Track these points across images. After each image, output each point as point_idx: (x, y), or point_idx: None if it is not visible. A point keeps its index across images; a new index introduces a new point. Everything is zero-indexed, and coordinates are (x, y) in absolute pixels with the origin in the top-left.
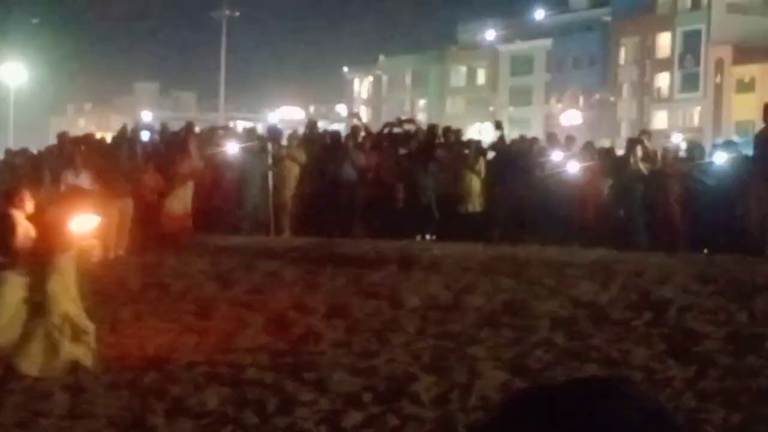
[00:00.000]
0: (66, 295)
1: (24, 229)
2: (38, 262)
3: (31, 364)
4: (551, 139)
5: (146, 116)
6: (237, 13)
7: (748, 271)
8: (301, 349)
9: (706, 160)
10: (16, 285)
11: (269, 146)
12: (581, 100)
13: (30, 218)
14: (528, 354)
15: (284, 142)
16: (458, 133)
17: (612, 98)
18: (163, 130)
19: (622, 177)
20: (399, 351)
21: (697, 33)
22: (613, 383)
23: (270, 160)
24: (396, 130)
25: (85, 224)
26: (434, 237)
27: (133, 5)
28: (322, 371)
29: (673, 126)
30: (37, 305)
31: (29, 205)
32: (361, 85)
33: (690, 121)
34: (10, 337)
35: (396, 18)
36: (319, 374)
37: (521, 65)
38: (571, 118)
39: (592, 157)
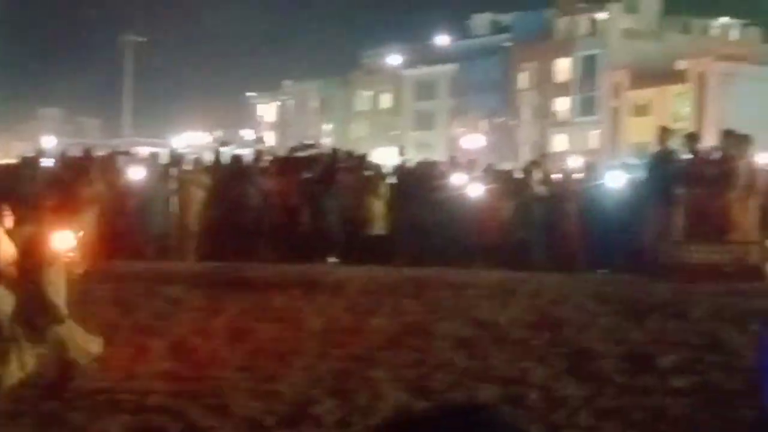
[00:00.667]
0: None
1: (5, 243)
2: (28, 276)
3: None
4: (453, 162)
5: (49, 142)
6: (143, 39)
7: (643, 291)
8: (203, 375)
9: (603, 181)
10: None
11: (172, 171)
12: (484, 124)
13: (9, 233)
14: (429, 375)
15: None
16: (361, 156)
17: (513, 122)
18: (63, 156)
19: (521, 199)
20: (302, 374)
21: (595, 58)
22: (479, 412)
23: (173, 185)
24: (300, 154)
25: (66, 239)
26: (337, 260)
27: (38, 31)
28: (225, 396)
29: (572, 149)
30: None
31: (8, 220)
32: (267, 110)
33: (588, 143)
34: None
35: (301, 43)
36: (221, 399)
37: (425, 90)
38: (473, 141)
39: (493, 180)
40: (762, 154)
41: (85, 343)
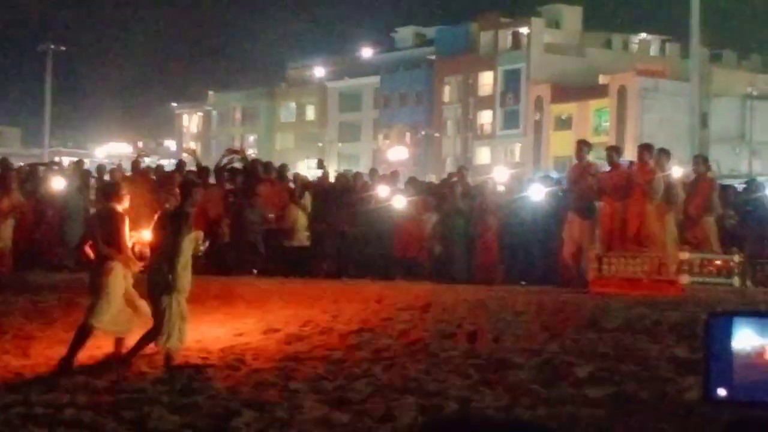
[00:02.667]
0: None
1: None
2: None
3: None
4: (374, 174)
5: None
6: (63, 48)
7: (561, 302)
8: (121, 388)
9: (525, 194)
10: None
11: (92, 181)
12: (408, 136)
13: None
14: (348, 387)
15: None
16: (283, 168)
17: (437, 134)
18: None
19: (443, 211)
20: (221, 386)
21: (517, 72)
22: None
23: (93, 196)
24: (225, 160)
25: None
26: (257, 272)
27: None
28: (142, 409)
29: (495, 162)
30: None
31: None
32: (191, 121)
33: (512, 156)
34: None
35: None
36: (138, 412)
37: (350, 102)
38: (398, 153)
39: (415, 192)
40: (679, 167)
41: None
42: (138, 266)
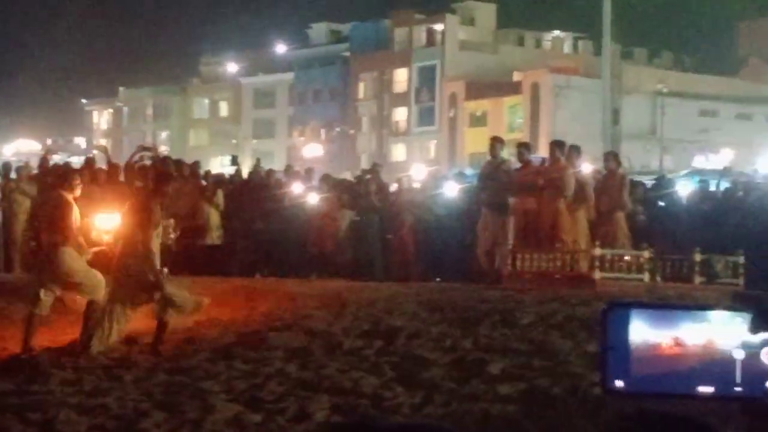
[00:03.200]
0: None
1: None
2: None
3: None
4: (289, 171)
5: None
6: None
7: (475, 299)
8: (27, 389)
9: (439, 191)
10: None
11: None
12: (323, 133)
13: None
14: (261, 386)
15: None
16: (195, 165)
17: (352, 131)
18: None
19: (358, 208)
20: (130, 388)
21: (432, 69)
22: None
23: None
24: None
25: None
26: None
27: None
28: (49, 411)
29: (411, 159)
30: None
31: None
32: (101, 117)
33: (427, 153)
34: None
35: (137, 50)
36: (45, 414)
37: (264, 98)
38: (313, 150)
39: (329, 189)
40: (591, 164)
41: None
42: (89, 253)
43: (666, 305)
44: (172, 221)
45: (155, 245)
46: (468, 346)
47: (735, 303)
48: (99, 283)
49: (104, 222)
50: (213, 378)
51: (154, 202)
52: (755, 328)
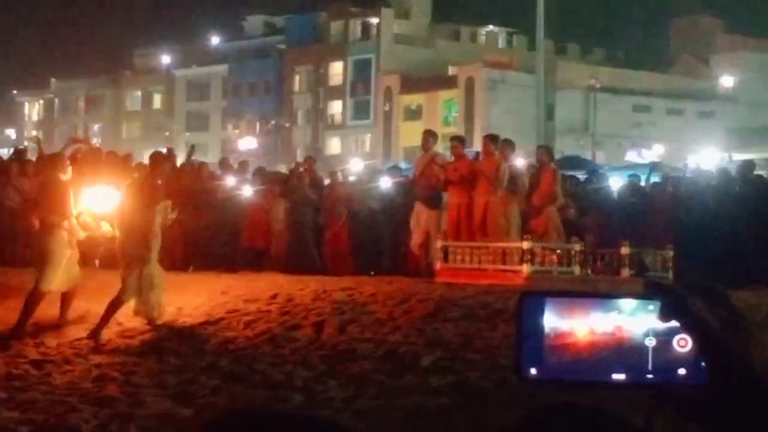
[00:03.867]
0: None
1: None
2: None
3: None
4: (223, 164)
5: None
6: None
7: (407, 292)
8: None
9: (376, 184)
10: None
11: None
12: (258, 125)
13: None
14: (193, 380)
15: None
16: (127, 157)
17: (287, 124)
18: None
19: (292, 201)
20: (60, 382)
21: (368, 62)
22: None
23: None
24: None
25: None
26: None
27: None
28: None
29: (346, 152)
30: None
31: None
32: (32, 109)
33: (362, 147)
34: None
35: (69, 41)
36: None
37: (197, 90)
38: (247, 143)
39: (263, 182)
40: (524, 158)
41: None
42: (82, 235)
43: (579, 293)
44: (169, 201)
45: (156, 225)
46: (400, 339)
47: (646, 291)
48: (57, 277)
49: (100, 204)
50: (144, 372)
51: (153, 182)
52: (664, 316)
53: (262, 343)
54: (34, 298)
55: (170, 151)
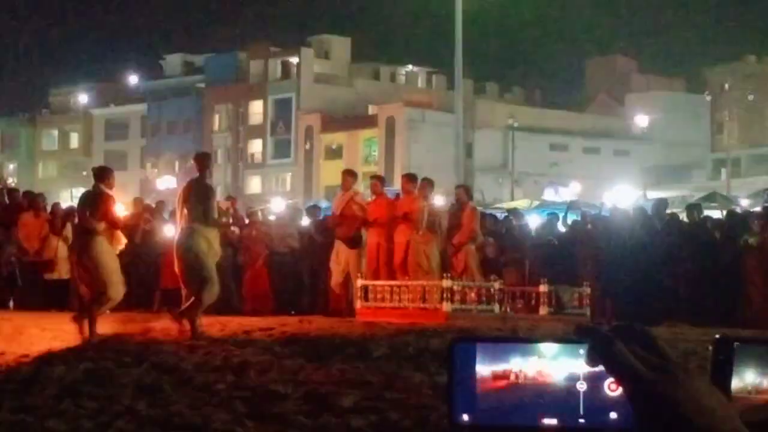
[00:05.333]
0: None
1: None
2: None
3: None
4: (138, 203)
5: None
6: None
7: (329, 332)
8: None
9: (295, 223)
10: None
11: None
12: (177, 164)
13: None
14: (109, 424)
15: None
16: (39, 197)
17: None
18: None
19: None
20: None
21: (288, 101)
22: None
23: None
24: None
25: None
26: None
27: None
28: None
29: (267, 191)
30: None
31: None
32: None
33: (283, 186)
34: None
35: None
36: None
37: (116, 130)
38: (166, 182)
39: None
40: (444, 196)
41: None
42: (122, 245)
43: (511, 339)
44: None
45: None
46: (321, 379)
47: (577, 335)
48: (119, 284)
49: None
50: (58, 416)
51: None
52: (591, 361)
53: (179, 386)
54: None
55: (39, 198)
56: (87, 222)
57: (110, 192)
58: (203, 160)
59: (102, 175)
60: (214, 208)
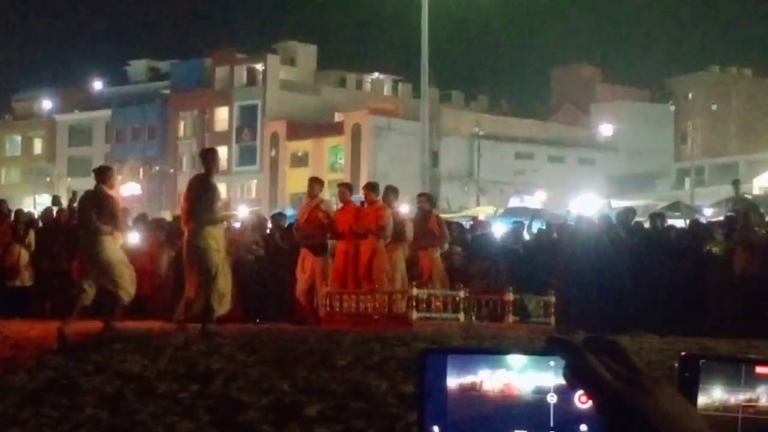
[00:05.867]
0: None
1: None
2: None
3: None
4: None
5: None
6: None
7: (293, 340)
8: None
9: (260, 231)
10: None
11: None
12: (141, 171)
13: None
14: None
15: None
16: (1, 204)
17: (172, 170)
18: None
19: (176, 248)
20: None
21: (254, 108)
22: None
23: None
24: None
25: None
26: None
27: None
28: None
29: (232, 198)
30: None
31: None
32: None
33: (248, 193)
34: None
35: None
36: None
37: (80, 135)
38: (131, 189)
39: (146, 229)
40: (408, 204)
41: None
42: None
43: (481, 350)
44: (228, 199)
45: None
46: (285, 388)
47: (548, 347)
48: (130, 283)
49: None
50: (20, 425)
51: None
52: (566, 377)
53: (143, 394)
54: (114, 304)
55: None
56: (93, 224)
57: (112, 192)
58: (207, 157)
59: (103, 175)
60: (214, 202)
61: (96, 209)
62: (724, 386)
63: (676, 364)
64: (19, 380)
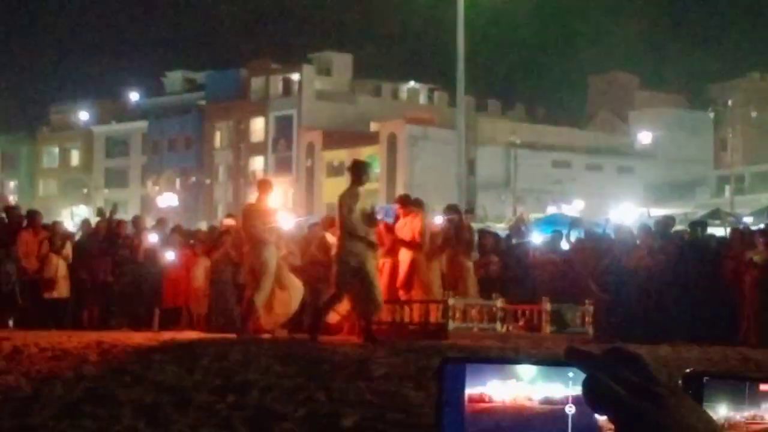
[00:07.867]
0: None
1: None
2: None
3: None
4: (138, 221)
5: None
6: None
7: (330, 351)
8: None
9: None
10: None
11: None
12: (178, 182)
13: None
14: None
15: None
16: (37, 215)
17: (208, 181)
18: None
19: (213, 260)
20: None
21: (289, 118)
22: None
23: None
24: None
25: None
26: (13, 324)
27: None
28: None
29: None
30: None
31: None
32: None
33: (284, 202)
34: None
35: None
36: None
37: (117, 147)
38: (168, 200)
39: (182, 240)
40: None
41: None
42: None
43: (499, 359)
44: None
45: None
46: (321, 399)
47: (567, 358)
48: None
49: None
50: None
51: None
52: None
53: (180, 405)
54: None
55: (36, 215)
56: (259, 233)
57: (271, 205)
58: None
59: (264, 188)
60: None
61: (261, 220)
62: (729, 403)
63: (680, 381)
64: (57, 391)
